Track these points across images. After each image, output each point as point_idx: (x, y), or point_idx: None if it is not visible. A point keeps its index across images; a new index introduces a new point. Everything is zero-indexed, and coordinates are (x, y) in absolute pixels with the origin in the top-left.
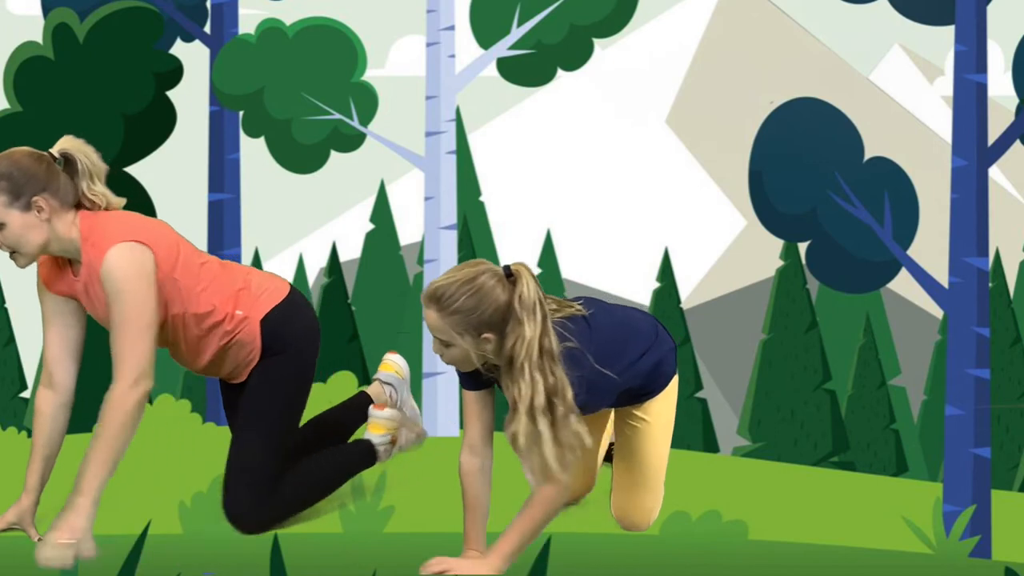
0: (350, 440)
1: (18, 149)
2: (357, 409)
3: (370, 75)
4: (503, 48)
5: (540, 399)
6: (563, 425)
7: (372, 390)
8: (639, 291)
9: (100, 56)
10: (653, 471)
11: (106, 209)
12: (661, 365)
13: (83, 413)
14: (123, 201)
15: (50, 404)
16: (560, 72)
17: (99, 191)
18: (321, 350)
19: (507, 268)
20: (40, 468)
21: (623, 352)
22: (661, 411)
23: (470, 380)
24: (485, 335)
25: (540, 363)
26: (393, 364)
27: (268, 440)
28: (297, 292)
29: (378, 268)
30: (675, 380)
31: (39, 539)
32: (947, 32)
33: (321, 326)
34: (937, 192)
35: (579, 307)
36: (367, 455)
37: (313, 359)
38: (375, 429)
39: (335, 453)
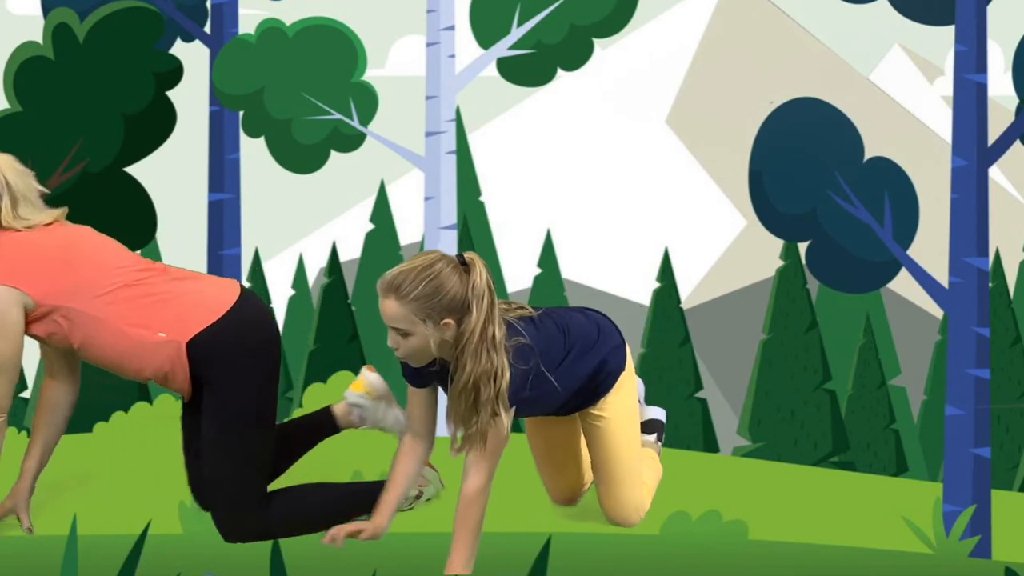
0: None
1: None
2: (315, 430)
3: (370, 75)
4: (503, 48)
5: (470, 381)
6: (482, 408)
7: (338, 410)
8: (639, 291)
9: (100, 56)
10: (624, 464)
11: (32, 227)
12: (606, 364)
13: (82, 413)
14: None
15: (56, 392)
16: (560, 72)
17: (20, 214)
18: (321, 350)
19: (460, 256)
20: (38, 453)
21: (565, 354)
22: (618, 404)
23: (416, 376)
24: (445, 320)
25: (479, 346)
26: (366, 383)
27: (237, 455)
28: (244, 304)
29: (378, 268)
30: (627, 373)
31: (30, 529)
32: (947, 32)
33: (277, 338)
34: (937, 192)
35: (531, 309)
36: None
37: (266, 371)
38: None
39: (354, 489)
